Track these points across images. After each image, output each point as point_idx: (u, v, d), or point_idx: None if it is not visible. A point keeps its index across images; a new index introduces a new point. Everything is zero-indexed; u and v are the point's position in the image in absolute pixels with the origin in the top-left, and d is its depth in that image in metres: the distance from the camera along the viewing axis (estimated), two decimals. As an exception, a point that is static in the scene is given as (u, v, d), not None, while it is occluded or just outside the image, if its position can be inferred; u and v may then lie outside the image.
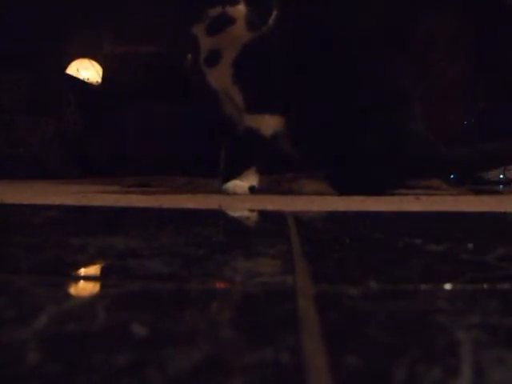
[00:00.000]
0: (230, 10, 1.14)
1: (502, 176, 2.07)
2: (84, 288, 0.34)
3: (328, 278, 0.36)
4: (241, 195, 1.16)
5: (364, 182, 1.20)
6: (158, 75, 2.48)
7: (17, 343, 0.23)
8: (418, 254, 0.46)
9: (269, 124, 1.21)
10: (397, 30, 2.10)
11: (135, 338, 0.23)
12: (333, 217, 0.82)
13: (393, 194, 1.20)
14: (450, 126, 2.16)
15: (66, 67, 2.95)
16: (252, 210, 0.86)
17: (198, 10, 1.17)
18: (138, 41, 2.69)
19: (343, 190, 1.18)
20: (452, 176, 1.65)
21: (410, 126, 1.24)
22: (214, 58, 1.22)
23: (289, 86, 1.21)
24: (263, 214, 0.82)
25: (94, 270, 0.41)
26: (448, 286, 0.33)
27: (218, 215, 0.79)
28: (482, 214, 0.84)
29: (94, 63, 2.99)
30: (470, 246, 0.51)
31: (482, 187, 1.63)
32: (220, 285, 0.35)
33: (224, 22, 1.15)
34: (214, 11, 1.14)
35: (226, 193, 1.18)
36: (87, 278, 0.37)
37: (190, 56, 2.40)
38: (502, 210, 0.90)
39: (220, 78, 1.23)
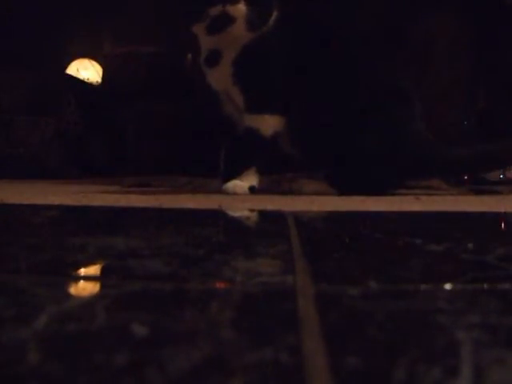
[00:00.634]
0: (230, 9, 1.14)
1: (501, 176, 2.07)
2: (84, 288, 0.34)
3: (328, 278, 0.36)
4: (241, 195, 1.16)
5: (364, 181, 1.20)
6: (158, 75, 2.48)
7: (17, 343, 0.23)
8: (418, 254, 0.46)
9: (269, 124, 1.21)
10: (397, 29, 2.10)
11: (135, 338, 0.23)
12: (333, 217, 0.82)
13: (393, 194, 1.20)
14: (450, 126, 2.16)
15: (65, 67, 2.95)
16: (252, 210, 0.86)
17: (198, 9, 1.17)
18: (138, 41, 2.69)
19: (343, 190, 1.18)
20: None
21: (410, 125, 1.24)
22: (214, 58, 1.22)
23: (289, 86, 1.21)
24: (263, 214, 0.82)
25: (93, 269, 0.41)
26: (448, 286, 0.33)
27: (218, 215, 0.79)
28: (482, 214, 0.84)
29: (94, 63, 2.99)
30: (470, 245, 0.51)
31: (481, 187, 1.63)
32: (220, 285, 0.35)
33: (224, 22, 1.15)
34: (215, 10, 1.14)
35: (226, 193, 1.18)
36: (87, 278, 0.37)
37: (189, 56, 2.40)
38: (501, 210, 0.90)
39: (220, 78, 1.23)
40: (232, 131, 1.28)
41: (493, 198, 1.23)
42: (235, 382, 0.19)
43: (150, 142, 2.31)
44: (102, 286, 0.34)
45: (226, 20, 1.15)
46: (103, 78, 2.75)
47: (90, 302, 0.31)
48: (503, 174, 2.06)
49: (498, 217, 0.83)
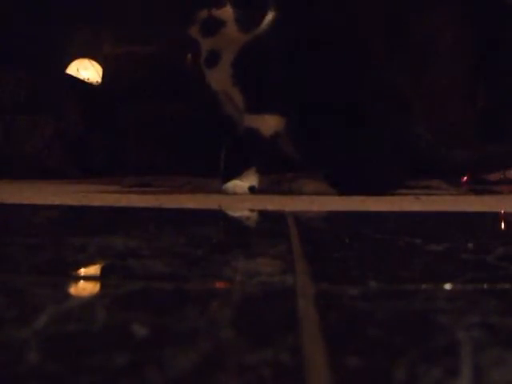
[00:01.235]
0: (216, 12, 1.13)
1: (502, 176, 2.07)
2: (84, 288, 0.34)
3: (328, 278, 0.36)
4: (241, 195, 1.16)
5: (364, 181, 1.20)
6: (158, 75, 2.48)
7: (17, 343, 0.23)
8: (418, 254, 0.46)
9: (269, 124, 1.21)
10: (397, 30, 2.10)
11: (135, 337, 0.23)
12: (333, 217, 0.82)
13: (393, 194, 1.20)
14: (450, 126, 2.16)
15: (66, 67, 2.95)
16: (252, 210, 0.86)
17: (187, 12, 1.17)
18: (138, 41, 2.69)
19: (343, 190, 1.18)
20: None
21: (410, 126, 1.24)
22: (213, 59, 1.22)
23: (289, 86, 1.21)
24: (263, 214, 0.82)
25: (93, 270, 0.41)
26: (448, 286, 0.33)
27: (218, 215, 0.79)
28: (482, 214, 0.84)
29: (94, 63, 2.99)
30: (470, 245, 0.51)
31: (481, 187, 1.63)
32: (220, 285, 0.35)
33: (215, 25, 1.15)
34: (202, 14, 1.14)
35: (226, 193, 1.18)
36: (87, 278, 0.37)
37: (189, 56, 2.40)
38: (501, 210, 0.90)
39: (219, 78, 1.23)
40: (232, 131, 1.28)
41: (493, 198, 1.23)
42: (235, 382, 0.19)
43: (150, 142, 2.31)
44: (102, 286, 0.34)
45: (216, 23, 1.14)
46: (103, 78, 2.75)
47: (90, 302, 0.31)
48: (503, 174, 2.06)
49: (497, 217, 0.83)
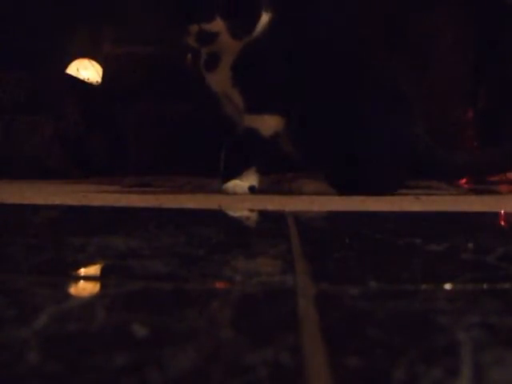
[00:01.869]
0: (206, 26, 1.13)
1: (502, 176, 2.07)
2: (84, 288, 0.34)
3: (328, 278, 0.36)
4: (241, 195, 1.16)
5: (364, 181, 1.20)
6: (158, 75, 2.48)
7: (17, 343, 0.23)
8: (418, 254, 0.46)
9: (268, 124, 1.21)
10: (397, 30, 2.10)
11: (135, 337, 0.23)
12: (333, 217, 0.82)
13: (393, 194, 1.20)
14: (449, 126, 2.16)
15: (66, 67, 2.95)
16: (252, 210, 0.86)
17: (180, 25, 1.17)
18: (138, 41, 2.69)
19: (343, 190, 1.18)
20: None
21: (410, 128, 1.24)
22: (212, 62, 1.23)
23: (289, 87, 1.21)
24: (263, 214, 0.82)
25: (93, 270, 0.41)
26: (448, 286, 0.33)
27: (218, 215, 0.79)
28: (482, 214, 0.84)
29: (94, 63, 2.99)
30: (470, 245, 0.51)
31: (481, 187, 1.63)
32: (220, 285, 0.35)
33: (208, 37, 1.15)
34: (193, 28, 1.15)
35: (226, 193, 1.18)
36: (87, 278, 0.37)
37: (189, 56, 2.40)
38: (501, 210, 0.90)
39: (219, 81, 1.23)
40: (232, 131, 1.28)
41: (493, 198, 1.23)
42: (235, 382, 0.19)
43: (150, 142, 2.31)
44: (102, 286, 0.34)
45: (209, 35, 1.15)
46: (103, 78, 2.75)
47: (90, 302, 0.31)
48: (505, 173, 2.06)
49: (497, 217, 0.83)
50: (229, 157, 1.27)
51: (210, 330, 0.25)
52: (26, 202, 0.93)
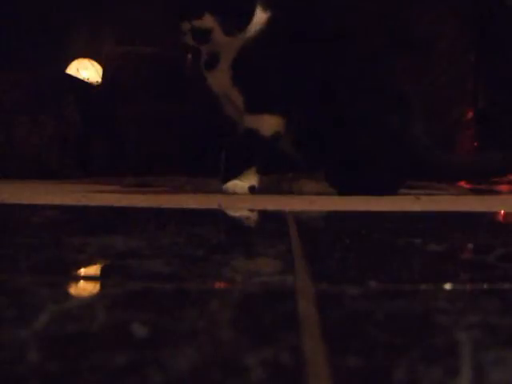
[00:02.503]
0: (197, 23, 1.14)
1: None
2: (84, 288, 0.34)
3: (328, 278, 0.36)
4: (241, 195, 1.16)
5: (364, 182, 1.20)
6: (158, 75, 2.48)
7: (17, 343, 0.23)
8: (418, 254, 0.46)
9: (268, 124, 1.21)
10: (397, 30, 2.10)
11: (135, 338, 0.23)
12: (333, 217, 0.82)
13: (393, 194, 1.20)
14: (449, 126, 2.16)
15: (66, 67, 2.95)
16: (252, 210, 0.86)
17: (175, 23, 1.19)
18: (138, 41, 2.69)
19: (343, 190, 1.18)
20: None
21: (410, 128, 1.24)
22: (212, 61, 1.23)
23: (289, 87, 1.21)
24: (263, 214, 0.82)
25: (93, 270, 0.41)
26: (448, 286, 0.33)
27: (217, 215, 0.79)
28: (482, 214, 0.84)
29: (94, 63, 2.99)
30: (470, 245, 0.51)
31: (481, 187, 1.63)
32: (220, 285, 0.35)
33: (202, 33, 1.16)
34: (185, 26, 1.16)
35: (226, 193, 1.18)
36: (87, 278, 0.37)
37: (189, 56, 2.40)
38: (501, 210, 0.90)
39: (219, 80, 1.23)
40: (232, 132, 1.28)
41: (493, 198, 1.23)
42: (235, 382, 0.19)
43: (150, 142, 2.31)
44: (102, 286, 0.34)
45: (203, 31, 1.15)
46: (103, 77, 2.75)
47: (90, 302, 0.31)
48: (504, 177, 2.06)
49: (497, 217, 0.83)
50: (229, 157, 1.27)
51: (210, 330, 0.25)
52: (25, 201, 0.93)
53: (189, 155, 2.19)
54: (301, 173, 1.37)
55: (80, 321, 0.26)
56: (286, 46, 1.22)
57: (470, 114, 2.31)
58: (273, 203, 0.95)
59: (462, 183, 1.71)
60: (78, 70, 2.96)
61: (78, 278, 0.37)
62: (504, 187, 1.75)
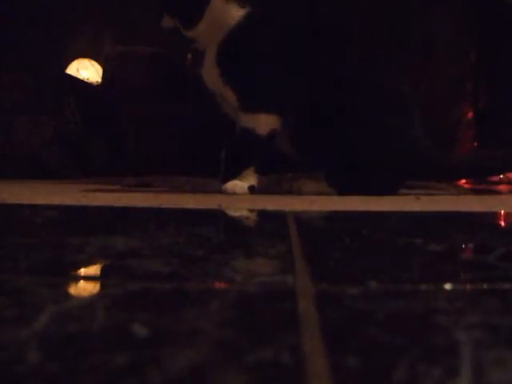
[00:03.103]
0: (163, 22, 1.26)
1: (502, 176, 2.07)
2: (84, 288, 0.34)
3: (328, 278, 0.36)
4: (241, 195, 1.16)
5: (364, 181, 1.20)
6: (158, 75, 2.48)
7: (17, 343, 0.23)
8: (418, 254, 0.46)
9: (264, 123, 1.21)
10: (397, 30, 2.09)
11: (135, 337, 0.23)
12: (333, 217, 0.82)
13: (393, 194, 1.20)
14: (449, 126, 2.16)
15: (66, 67, 2.95)
16: (252, 210, 0.86)
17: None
18: (138, 41, 2.69)
19: (343, 190, 1.18)
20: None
21: (410, 128, 1.24)
22: (200, 58, 1.25)
23: (284, 85, 1.21)
24: (263, 214, 0.82)
25: (93, 270, 0.41)
26: (448, 286, 0.33)
27: (218, 215, 0.79)
28: (482, 214, 0.84)
29: (94, 63, 2.99)
30: (470, 245, 0.51)
31: (481, 187, 1.63)
32: (220, 285, 0.35)
33: (173, 31, 1.25)
34: (161, 27, 1.26)
35: (226, 193, 1.18)
36: (87, 278, 0.37)
37: (189, 56, 2.40)
38: (502, 209, 0.90)
39: (210, 78, 1.24)
40: (232, 131, 1.28)
41: (493, 198, 1.23)
42: (235, 382, 0.19)
43: (150, 142, 2.31)
44: (102, 286, 0.34)
45: (172, 31, 1.25)
46: (103, 78, 2.75)
47: (90, 302, 0.31)
48: (503, 174, 2.06)
49: (497, 217, 0.83)
50: (228, 157, 1.27)
51: (210, 330, 0.25)
52: (25, 201, 0.93)
53: (189, 155, 2.19)
54: (301, 173, 1.37)
55: (80, 321, 0.26)
56: (279, 44, 1.22)
57: (470, 114, 2.31)
58: (273, 203, 0.95)
59: (462, 183, 1.71)
60: (78, 69, 2.96)
61: (77, 278, 0.37)
62: (504, 187, 1.75)
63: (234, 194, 1.18)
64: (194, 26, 1.22)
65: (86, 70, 2.97)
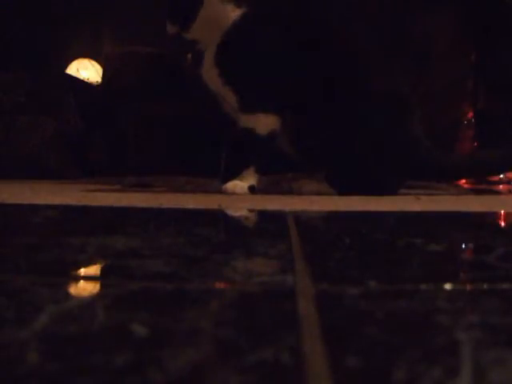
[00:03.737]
0: (168, 29, 1.27)
1: (501, 176, 2.07)
2: (84, 288, 0.34)
3: (328, 278, 0.36)
4: (241, 195, 1.16)
5: (364, 181, 1.20)
6: (158, 75, 2.48)
7: (17, 343, 0.23)
8: (418, 254, 0.46)
9: (264, 123, 1.21)
10: (397, 30, 2.09)
11: (135, 338, 0.23)
12: (333, 217, 0.82)
13: (393, 194, 1.20)
14: (449, 127, 2.16)
15: (66, 67, 2.95)
16: (252, 210, 0.86)
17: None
18: (138, 41, 2.69)
19: (343, 190, 1.18)
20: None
21: (410, 128, 1.24)
22: (199, 59, 1.25)
23: (283, 85, 1.21)
24: (263, 214, 0.82)
25: (93, 270, 0.41)
26: (448, 286, 0.33)
27: (218, 215, 0.79)
28: (482, 214, 0.84)
29: (94, 63, 2.99)
30: (470, 245, 0.51)
31: (482, 187, 1.63)
32: (220, 285, 0.35)
33: (178, 37, 1.26)
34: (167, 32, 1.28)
35: (226, 193, 1.18)
36: (87, 278, 0.37)
37: (189, 56, 2.40)
38: (501, 209, 0.90)
39: (210, 79, 1.24)
40: (232, 131, 1.28)
41: (493, 198, 1.23)
42: (235, 382, 0.19)
43: (150, 142, 2.31)
44: (102, 286, 0.34)
45: (176, 35, 1.26)
46: (103, 78, 2.75)
47: (90, 302, 0.31)
48: (503, 174, 2.06)
49: (497, 217, 0.83)
50: (228, 157, 1.27)
51: (210, 329, 0.25)
52: (25, 201, 0.93)
53: (189, 155, 2.19)
54: (301, 173, 1.37)
55: (80, 321, 0.26)
56: (276, 44, 1.22)
57: (470, 114, 2.31)
58: (273, 203, 0.95)
59: (462, 183, 1.71)
60: (78, 69, 2.96)
61: (78, 278, 0.37)
62: (504, 187, 1.75)
63: (234, 194, 1.18)
64: (189, 28, 1.22)
65: (86, 70, 2.97)
